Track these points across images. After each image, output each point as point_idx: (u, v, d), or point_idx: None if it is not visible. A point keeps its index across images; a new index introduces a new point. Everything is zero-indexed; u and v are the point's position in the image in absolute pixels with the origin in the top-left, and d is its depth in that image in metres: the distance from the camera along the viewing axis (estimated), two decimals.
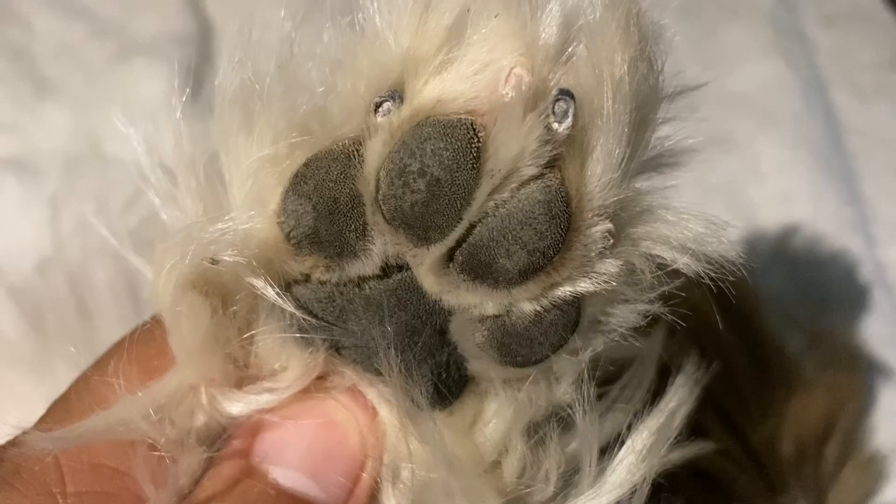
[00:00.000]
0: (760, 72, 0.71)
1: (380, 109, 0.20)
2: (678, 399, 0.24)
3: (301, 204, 0.20)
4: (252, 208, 0.20)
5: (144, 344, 0.23)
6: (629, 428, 0.23)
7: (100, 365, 0.23)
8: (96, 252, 0.46)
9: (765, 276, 0.57)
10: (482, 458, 0.22)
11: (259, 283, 0.20)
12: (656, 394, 0.24)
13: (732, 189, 0.63)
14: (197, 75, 0.66)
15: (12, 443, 0.22)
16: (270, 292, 0.20)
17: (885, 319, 0.58)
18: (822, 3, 0.76)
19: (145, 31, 0.68)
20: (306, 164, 0.20)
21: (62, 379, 0.25)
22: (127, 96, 0.62)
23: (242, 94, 0.21)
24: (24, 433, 0.22)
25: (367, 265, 0.20)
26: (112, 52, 0.66)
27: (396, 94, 0.20)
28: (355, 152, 0.20)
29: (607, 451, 0.23)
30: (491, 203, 0.19)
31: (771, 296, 0.55)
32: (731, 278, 0.20)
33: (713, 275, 0.20)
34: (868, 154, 0.67)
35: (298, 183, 0.20)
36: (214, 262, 0.20)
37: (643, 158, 0.21)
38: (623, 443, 0.23)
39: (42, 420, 0.22)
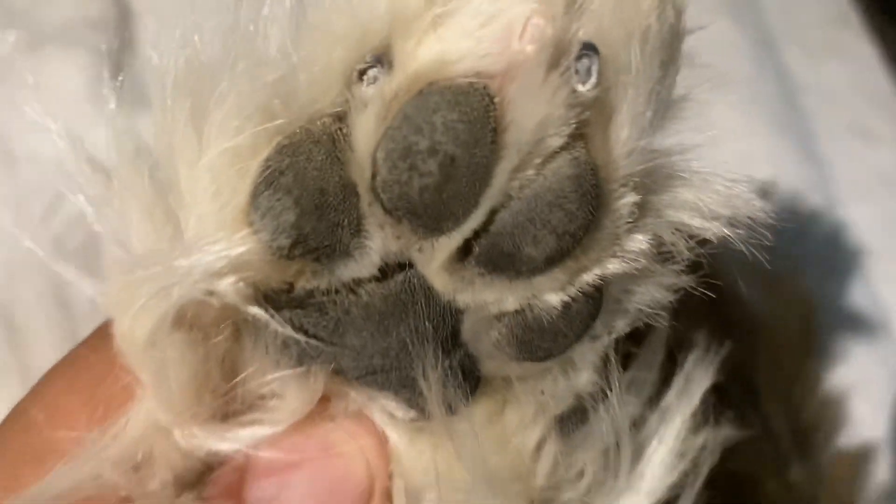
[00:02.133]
0: (709, 33, 0.69)
1: (364, 77, 0.16)
2: (702, 383, 0.22)
3: (279, 199, 0.16)
4: (223, 215, 0.17)
5: (85, 369, 0.19)
6: (643, 416, 0.21)
7: (35, 397, 0.19)
8: (20, 265, 0.42)
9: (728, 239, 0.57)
10: (518, 467, 0.20)
11: (256, 310, 0.17)
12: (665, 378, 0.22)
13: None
14: (117, 62, 0.62)
15: None
16: (266, 317, 0.17)
17: (845, 277, 0.59)
18: None
19: (57, 16, 0.62)
20: (280, 152, 0.16)
21: None
22: (41, 87, 0.57)
23: (189, 78, 0.17)
24: None
25: (363, 266, 0.17)
26: (21, 40, 0.61)
27: (383, 59, 0.16)
28: (339, 132, 0.16)
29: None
30: (514, 183, 0.16)
31: (735, 258, 0.54)
32: (766, 242, 0.18)
33: (744, 240, 0.18)
34: (822, 112, 0.68)
35: (274, 175, 0.16)
36: (211, 293, 0.16)
37: (665, 115, 0.18)
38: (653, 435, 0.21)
39: None
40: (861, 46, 0.72)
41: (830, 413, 0.47)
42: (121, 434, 0.18)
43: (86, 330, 0.21)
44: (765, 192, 0.60)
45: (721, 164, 0.18)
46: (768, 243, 0.18)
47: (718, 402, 0.22)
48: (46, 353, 0.41)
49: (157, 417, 0.18)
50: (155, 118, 0.18)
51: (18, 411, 0.19)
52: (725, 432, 0.21)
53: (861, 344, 0.55)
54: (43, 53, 0.61)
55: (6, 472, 0.18)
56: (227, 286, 0.16)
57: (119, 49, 0.63)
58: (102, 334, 0.19)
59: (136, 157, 0.18)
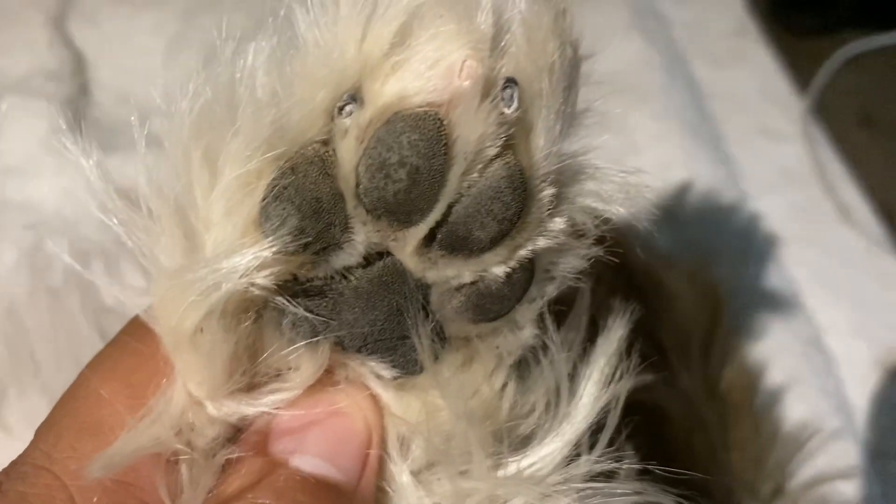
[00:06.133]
0: (624, 51, 0.75)
1: (343, 112, 0.21)
2: (617, 332, 0.26)
3: (285, 208, 0.21)
4: (237, 227, 0.21)
5: (120, 360, 0.23)
6: (576, 366, 0.26)
7: (82, 385, 0.23)
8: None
9: (653, 239, 0.62)
10: (488, 407, 0.24)
11: (278, 298, 0.22)
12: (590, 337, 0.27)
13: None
14: (76, 109, 0.65)
15: (6, 473, 0.22)
16: (284, 303, 0.22)
17: (759, 263, 0.64)
18: None
19: (16, 68, 0.66)
20: (283, 173, 0.21)
21: None
22: (7, 136, 0.60)
23: (202, 122, 0.22)
24: (17, 462, 0.22)
25: (351, 256, 0.22)
26: None
27: (357, 97, 0.21)
28: (326, 154, 0.21)
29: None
30: (464, 183, 0.21)
31: (661, 255, 0.59)
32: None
33: (634, 217, 0.24)
34: (730, 117, 0.73)
35: (280, 190, 0.21)
36: (252, 285, 0.21)
37: (570, 127, 0.23)
38: (583, 376, 0.25)
39: (34, 445, 0.22)
40: (761, 54, 0.78)
41: (746, 378, 0.52)
42: (168, 407, 0.22)
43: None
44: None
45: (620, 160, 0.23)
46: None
47: (633, 356, 0.26)
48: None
49: (191, 393, 0.23)
50: (172, 156, 0.22)
51: (77, 387, 0.23)
52: (637, 374, 0.26)
53: (776, 321, 0.60)
54: (4, 103, 0.63)
55: (69, 443, 0.22)
56: (263, 279, 0.21)
57: (76, 97, 0.66)
58: (137, 325, 0.23)
59: (160, 189, 0.22)
